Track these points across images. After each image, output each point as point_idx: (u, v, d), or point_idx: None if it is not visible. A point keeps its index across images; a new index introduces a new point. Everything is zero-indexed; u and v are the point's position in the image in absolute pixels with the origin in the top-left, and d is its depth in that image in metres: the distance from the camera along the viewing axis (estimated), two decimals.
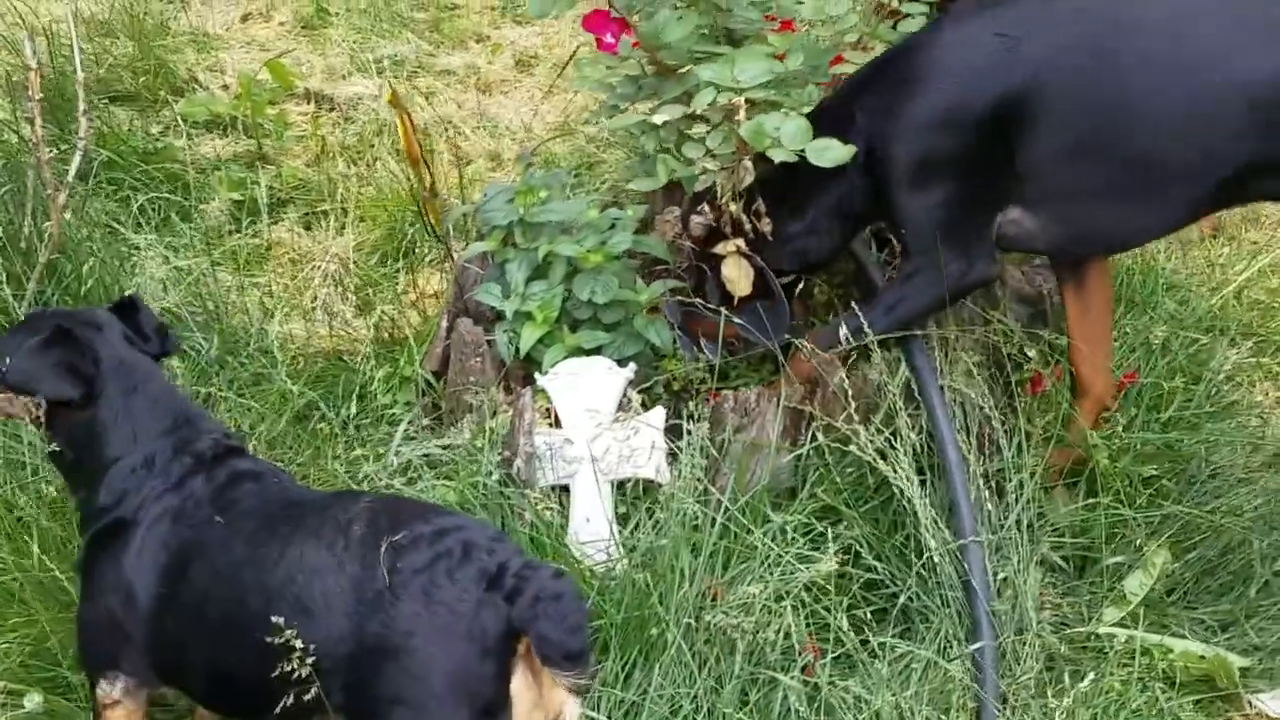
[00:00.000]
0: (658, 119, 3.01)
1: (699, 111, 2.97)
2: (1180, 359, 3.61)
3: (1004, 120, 2.89)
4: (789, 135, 2.92)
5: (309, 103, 5.06)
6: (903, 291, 3.02)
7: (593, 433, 3.00)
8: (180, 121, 4.73)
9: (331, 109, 5.02)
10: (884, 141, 2.90)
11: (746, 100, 2.98)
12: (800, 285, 3.33)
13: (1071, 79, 2.88)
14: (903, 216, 2.99)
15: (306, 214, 4.34)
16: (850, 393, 2.98)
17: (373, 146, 4.70)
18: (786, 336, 3.09)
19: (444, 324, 3.29)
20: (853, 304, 3.08)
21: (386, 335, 3.59)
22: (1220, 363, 3.62)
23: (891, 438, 3.00)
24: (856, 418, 2.98)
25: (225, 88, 5.11)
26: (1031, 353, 3.39)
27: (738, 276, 3.05)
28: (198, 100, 4.79)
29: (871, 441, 2.97)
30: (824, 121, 2.90)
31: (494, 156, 4.72)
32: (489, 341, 3.17)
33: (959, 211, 2.95)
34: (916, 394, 3.07)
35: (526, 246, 3.20)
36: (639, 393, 3.10)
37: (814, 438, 3.02)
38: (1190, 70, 2.84)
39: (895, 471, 2.98)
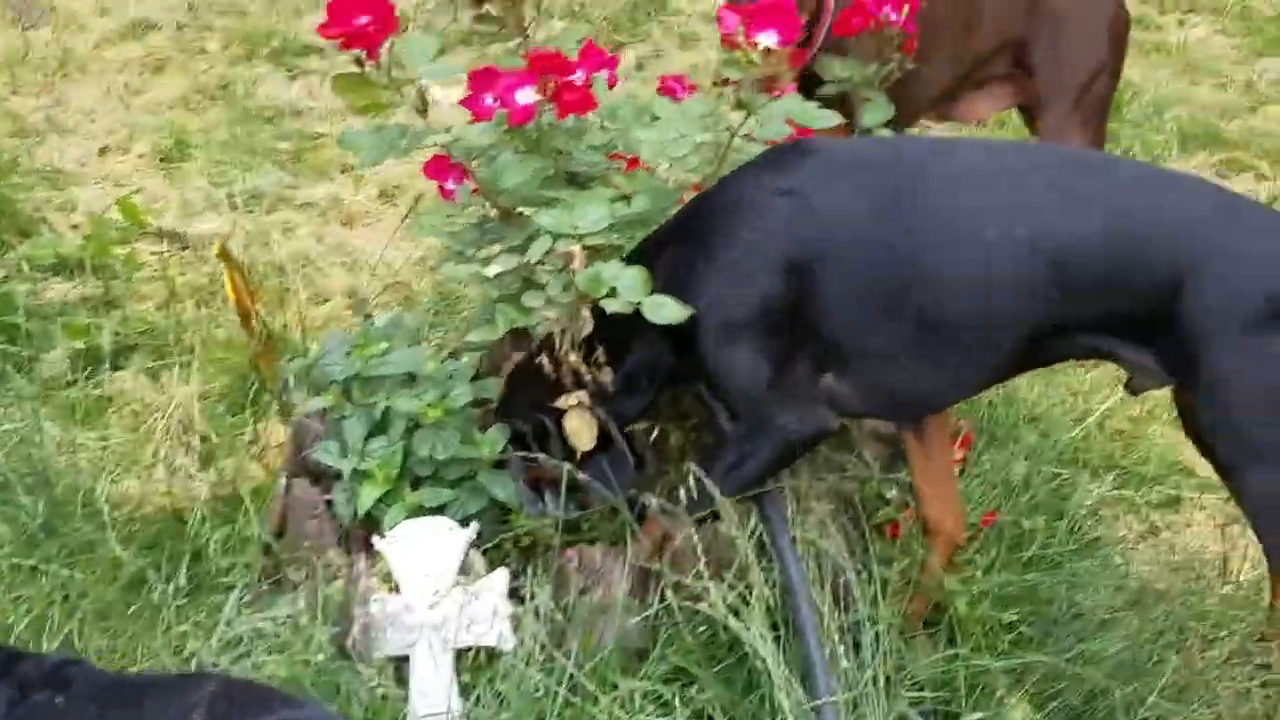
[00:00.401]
0: (490, 270, 2.92)
1: (532, 261, 2.88)
2: (1041, 495, 3.56)
3: (796, 280, 2.83)
4: (627, 286, 2.85)
5: (161, 241, 4.93)
6: (739, 453, 2.93)
7: (432, 598, 2.88)
8: (25, 266, 4.59)
9: (184, 248, 4.90)
10: (685, 300, 2.81)
11: (585, 247, 2.92)
12: (655, 432, 3.25)
13: (859, 238, 2.83)
14: (719, 377, 2.92)
15: (154, 361, 4.20)
16: (700, 548, 2.89)
17: (224, 287, 4.58)
18: (632, 491, 2.99)
19: (282, 482, 3.17)
20: (692, 467, 2.98)
21: (226, 493, 3.46)
22: (1082, 498, 3.58)
23: (745, 593, 2.91)
24: (707, 574, 2.89)
25: (75, 227, 4.98)
26: (891, 493, 3.33)
27: (580, 430, 2.96)
28: (43, 243, 4.67)
29: (724, 599, 2.88)
30: None
31: (351, 293, 4.61)
32: (327, 501, 3.06)
33: (775, 368, 2.88)
34: (769, 547, 2.99)
35: (364, 402, 3.09)
36: (484, 553, 3.00)
37: (663, 596, 2.92)
38: (982, 231, 2.79)
39: (748, 629, 2.88)
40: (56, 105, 6.38)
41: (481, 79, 3.02)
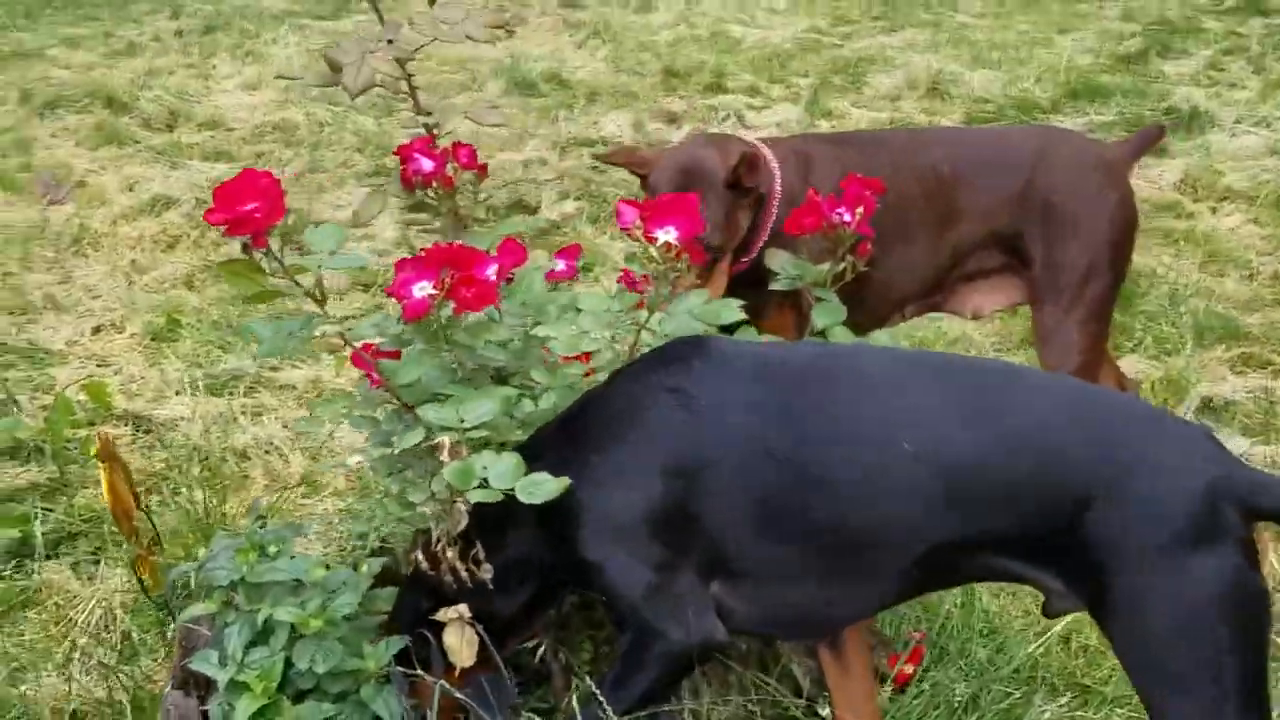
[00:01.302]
0: (350, 460, 2.80)
1: (395, 452, 2.76)
2: (990, 716, 3.34)
3: (679, 484, 2.69)
4: (498, 474, 2.71)
5: (126, 425, 4.85)
6: (623, 669, 2.76)
7: None
8: None
9: (148, 431, 4.82)
10: (566, 498, 2.66)
11: (470, 441, 2.79)
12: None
13: (747, 444, 2.69)
14: (600, 581, 2.75)
15: (93, 550, 4.09)
16: None
17: (179, 471, 4.48)
18: (511, 712, 2.82)
19: (169, 693, 3.02)
20: (590, 683, 2.81)
21: (129, 697, 3.31)
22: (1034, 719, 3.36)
23: None
24: None
25: (45, 409, 4.91)
26: (824, 711, 3.15)
27: (458, 645, 2.80)
28: (2, 425, 4.59)
29: None
30: None
31: (310, 481, 4.49)
32: (204, 713, 2.91)
33: (657, 574, 2.71)
34: None
35: (248, 609, 2.95)
36: None
37: None
38: (875, 443, 2.65)
39: None
40: (64, 282, 6.38)
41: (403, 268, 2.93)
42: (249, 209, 2.83)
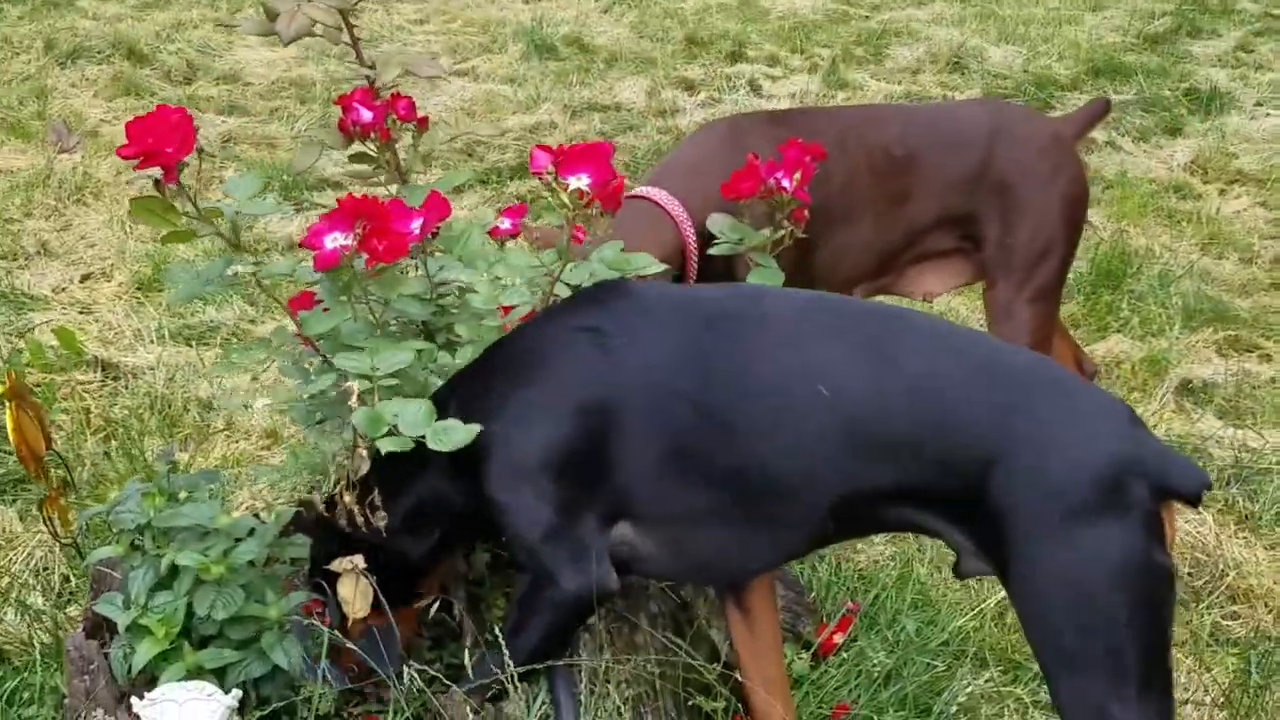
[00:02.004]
0: (258, 404, 2.81)
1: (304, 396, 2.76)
2: (912, 687, 3.32)
3: (588, 425, 2.66)
4: (408, 421, 2.70)
5: (96, 371, 4.87)
6: (519, 615, 2.75)
7: None
8: None
9: (116, 378, 4.84)
10: (475, 439, 2.65)
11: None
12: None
13: (659, 386, 2.67)
14: (502, 521, 2.75)
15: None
16: None
17: (142, 419, 4.50)
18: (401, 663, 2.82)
19: (71, 635, 3.03)
20: (495, 632, 2.80)
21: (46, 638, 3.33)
22: (956, 692, 3.33)
23: None
24: None
25: (19, 352, 4.93)
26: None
27: (353, 596, 2.80)
28: None
29: None
30: None
31: (270, 434, 4.50)
32: (105, 656, 2.91)
33: (560, 516, 2.69)
34: None
35: (154, 553, 2.95)
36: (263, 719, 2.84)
37: None
38: (786, 388, 2.62)
39: None
40: (61, 230, 6.42)
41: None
42: (160, 144, 2.82)
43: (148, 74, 8.74)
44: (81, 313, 5.44)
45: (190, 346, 5.09)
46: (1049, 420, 2.56)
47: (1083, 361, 4.42)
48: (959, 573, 2.74)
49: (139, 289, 5.68)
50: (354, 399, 2.76)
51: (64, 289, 5.72)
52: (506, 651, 2.71)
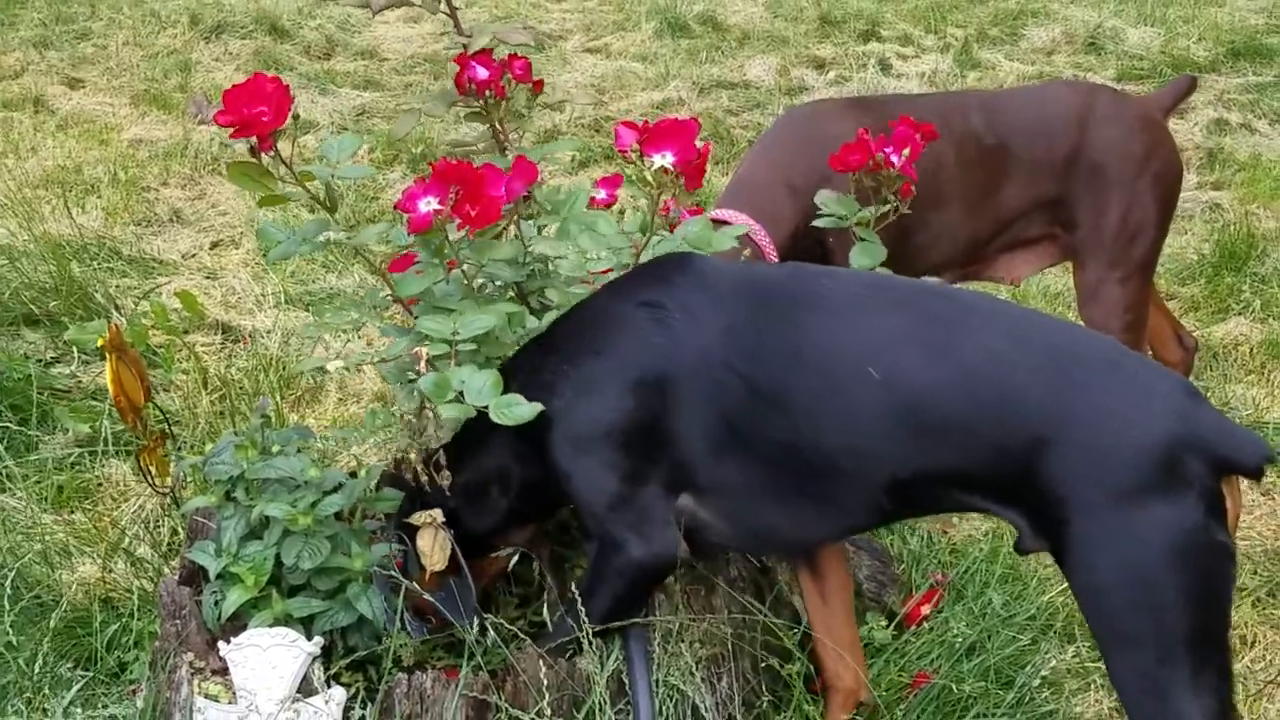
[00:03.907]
0: (331, 366, 2.89)
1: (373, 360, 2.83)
2: (995, 660, 3.32)
3: (649, 397, 2.71)
4: (475, 390, 2.76)
5: (217, 333, 5.01)
6: (590, 580, 2.81)
7: (270, 710, 2.80)
8: (73, 350, 4.70)
9: (236, 341, 4.97)
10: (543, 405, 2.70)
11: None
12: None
13: (717, 361, 2.70)
14: (569, 489, 2.81)
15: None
16: (547, 684, 2.77)
17: (258, 380, 4.62)
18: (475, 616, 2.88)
19: (164, 579, 3.13)
20: (573, 590, 2.86)
21: (149, 586, 3.45)
22: (1039, 666, 3.33)
23: None
24: (549, 711, 2.76)
25: (145, 315, 5.08)
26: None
27: (431, 549, 2.87)
28: (89, 328, 4.76)
29: None
30: None
31: (380, 397, 4.60)
32: (197, 603, 3.01)
33: (624, 485, 2.74)
34: (628, 689, 2.84)
35: (246, 503, 3.04)
36: (352, 668, 2.91)
37: None
38: (843, 368, 2.65)
39: None
40: (196, 199, 6.59)
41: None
42: (256, 112, 2.91)
43: (288, 49, 8.91)
44: (207, 278, 5.58)
45: (309, 312, 5.20)
46: (1103, 399, 2.55)
47: (1182, 337, 4.37)
48: (1020, 549, 2.74)
49: (264, 256, 5.79)
50: (422, 364, 2.83)
51: (193, 255, 5.87)
52: (582, 612, 2.77)
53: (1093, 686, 3.44)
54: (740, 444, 2.71)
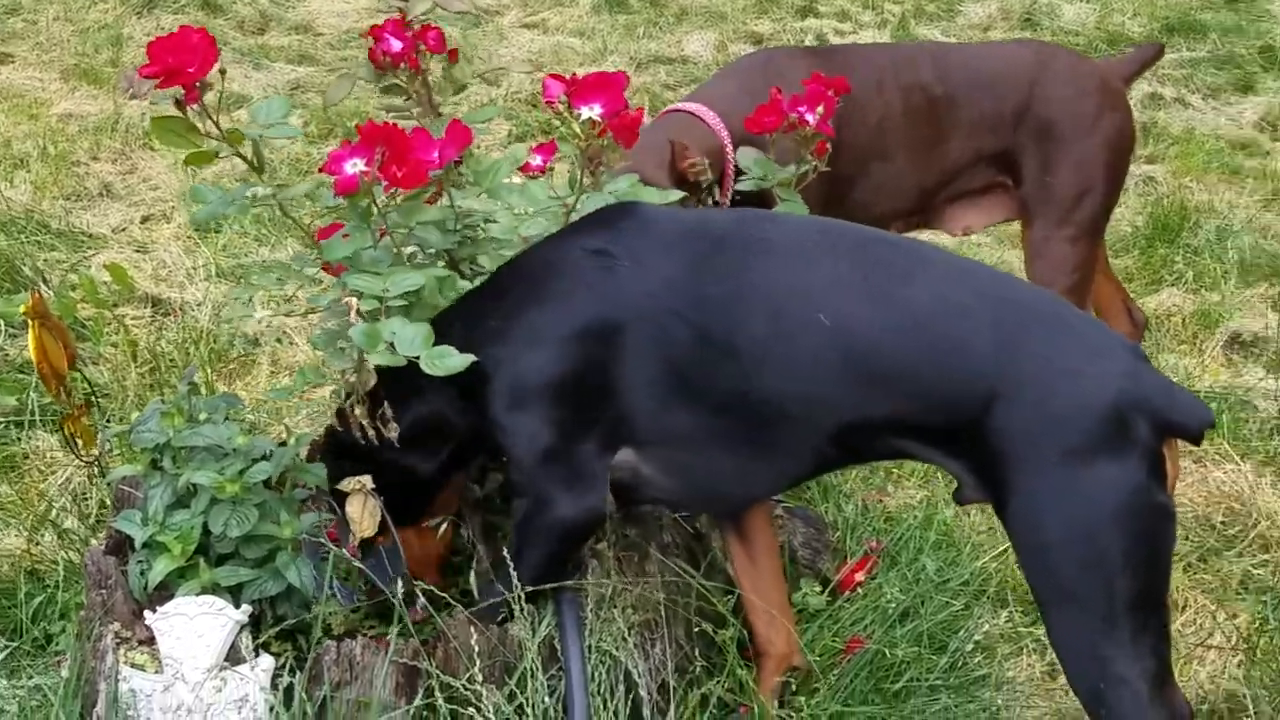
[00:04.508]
0: (258, 317, 2.85)
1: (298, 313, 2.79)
2: (929, 625, 3.32)
3: (593, 347, 2.68)
4: (405, 340, 2.72)
5: (147, 306, 4.95)
6: (519, 539, 2.78)
7: (196, 680, 2.77)
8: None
9: (166, 314, 4.91)
10: (480, 357, 2.67)
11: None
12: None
13: (665, 308, 2.67)
14: (503, 442, 2.78)
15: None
16: (478, 650, 2.75)
17: (188, 353, 4.56)
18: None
19: (90, 549, 3.09)
20: (506, 553, 2.83)
21: (75, 558, 3.40)
22: (971, 631, 3.33)
23: (525, 703, 2.75)
24: (480, 677, 2.73)
25: (73, 289, 5.01)
26: None
27: (360, 515, 2.84)
28: (14, 300, 4.69)
29: (497, 707, 2.72)
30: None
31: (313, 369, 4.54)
32: (123, 572, 2.97)
33: (560, 440, 2.72)
34: (559, 655, 2.82)
35: (172, 472, 3.00)
36: (282, 637, 2.88)
37: (431, 694, 2.77)
38: (791, 313, 2.63)
39: None
40: (127, 173, 6.51)
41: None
42: (182, 61, 2.87)
43: (221, 24, 8.81)
44: (138, 252, 5.52)
45: (239, 285, 5.13)
46: (1053, 356, 2.55)
47: (1132, 310, 4.37)
48: (959, 499, 2.74)
49: (196, 229, 5.74)
50: (353, 314, 2.80)
51: (124, 229, 5.80)
52: (512, 574, 2.74)
53: (1025, 651, 3.45)
54: (687, 394, 2.68)
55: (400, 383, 2.78)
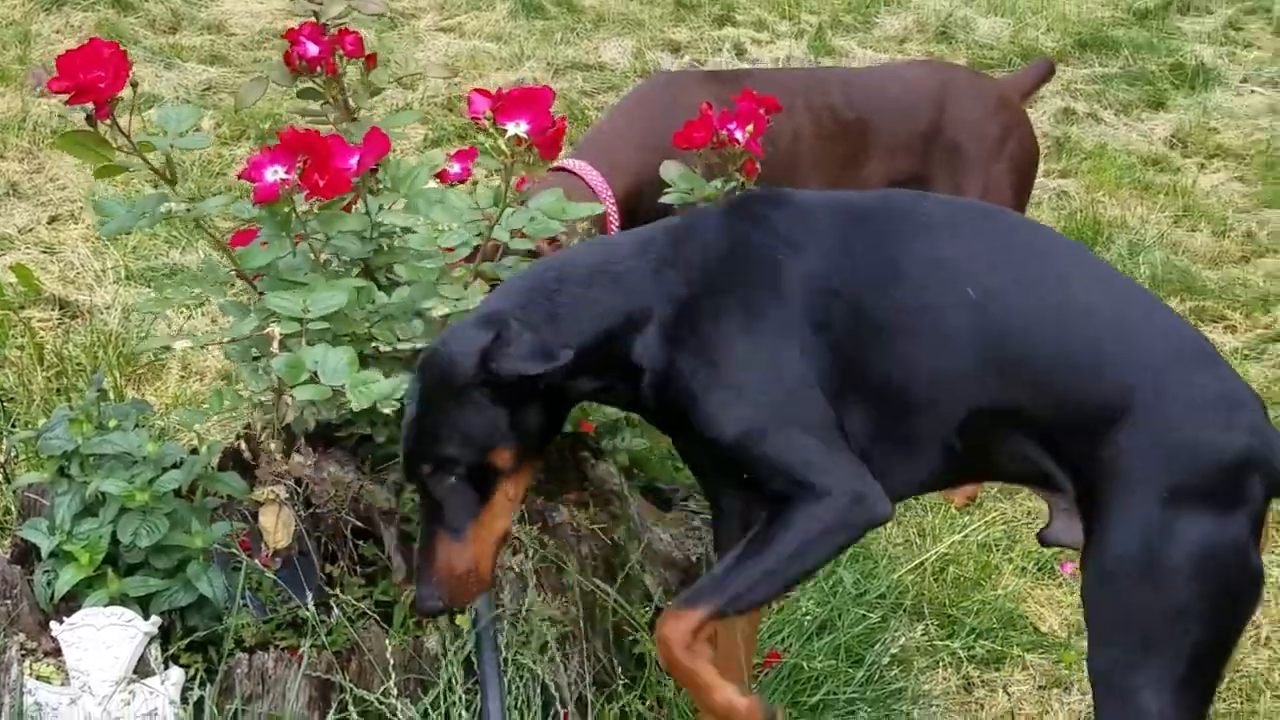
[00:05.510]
0: (178, 344, 2.80)
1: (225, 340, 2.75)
2: (846, 639, 3.32)
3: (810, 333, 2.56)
4: (329, 370, 2.69)
5: (54, 309, 4.87)
6: (801, 534, 2.56)
7: (104, 692, 2.72)
8: None
9: (74, 317, 4.84)
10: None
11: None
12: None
13: (825, 290, 2.56)
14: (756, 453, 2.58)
15: None
16: (393, 664, 2.71)
17: (96, 357, 4.49)
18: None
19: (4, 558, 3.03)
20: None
21: None
22: (889, 644, 3.33)
23: (441, 718, 2.72)
24: (395, 691, 2.70)
25: None
26: None
27: (274, 527, 2.80)
28: None
29: None
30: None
31: (224, 375, 4.50)
32: (29, 582, 2.91)
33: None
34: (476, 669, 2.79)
35: (80, 479, 2.95)
36: (189, 650, 2.83)
37: (344, 708, 2.73)
38: (942, 290, 2.55)
39: None
40: (34, 173, 6.40)
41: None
42: (93, 77, 2.82)
43: (132, 22, 8.69)
44: (45, 253, 5.43)
45: (150, 288, 5.07)
46: (1193, 392, 2.50)
47: None
48: (1045, 539, 2.70)
49: (100, 231, 5.64)
50: (274, 344, 2.76)
51: (30, 229, 5.71)
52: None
53: (941, 664, 3.46)
54: (848, 385, 2.54)
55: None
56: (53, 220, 5.82)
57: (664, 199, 3.39)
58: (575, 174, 3.83)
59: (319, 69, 3.36)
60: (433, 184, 3.23)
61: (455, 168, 3.25)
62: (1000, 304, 2.53)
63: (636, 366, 2.58)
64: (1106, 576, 2.49)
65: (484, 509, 2.54)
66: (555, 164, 3.82)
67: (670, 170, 3.39)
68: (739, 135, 3.25)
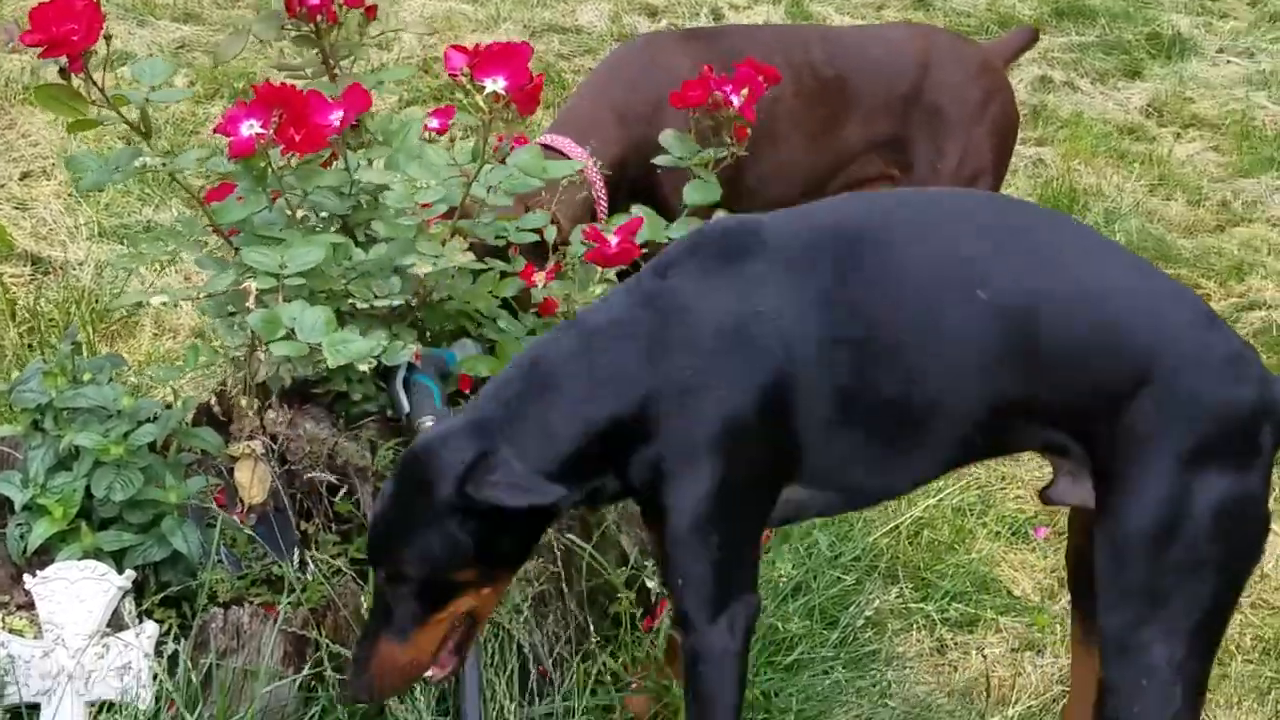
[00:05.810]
0: (155, 300, 2.78)
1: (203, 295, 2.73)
2: (820, 601, 3.33)
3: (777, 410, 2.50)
4: (307, 327, 2.68)
5: (26, 265, 4.83)
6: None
7: (77, 645, 2.71)
8: None
9: (47, 273, 4.80)
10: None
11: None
12: None
13: (824, 339, 2.48)
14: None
15: None
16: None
17: (69, 313, 4.46)
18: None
19: None
20: None
21: None
22: (862, 606, 3.34)
23: None
24: None
25: None
26: (652, 584, 3.11)
27: (249, 482, 2.79)
28: None
29: None
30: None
31: (198, 332, 4.47)
32: (1, 535, 2.90)
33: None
34: None
35: (54, 433, 2.93)
36: (163, 605, 2.82)
37: (320, 664, 2.72)
38: (944, 295, 2.48)
39: (410, 713, 2.68)
40: (5, 128, 6.34)
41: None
42: (66, 30, 2.79)
43: None
44: (17, 209, 5.38)
45: (124, 244, 5.03)
46: (1206, 352, 2.48)
47: None
48: (1049, 498, 2.68)
49: (75, 187, 5.61)
50: (251, 299, 2.74)
51: (2, 186, 5.65)
52: None
53: (915, 627, 3.47)
54: (854, 414, 2.50)
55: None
56: (25, 176, 5.76)
57: (656, 161, 3.35)
58: (557, 150, 3.78)
59: (320, 16, 3.33)
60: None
61: (434, 123, 3.24)
62: (1012, 300, 2.47)
63: (628, 466, 2.51)
64: (1126, 541, 2.47)
65: (435, 616, 2.47)
66: (537, 141, 3.78)
67: (668, 136, 3.34)
68: (734, 99, 3.22)
